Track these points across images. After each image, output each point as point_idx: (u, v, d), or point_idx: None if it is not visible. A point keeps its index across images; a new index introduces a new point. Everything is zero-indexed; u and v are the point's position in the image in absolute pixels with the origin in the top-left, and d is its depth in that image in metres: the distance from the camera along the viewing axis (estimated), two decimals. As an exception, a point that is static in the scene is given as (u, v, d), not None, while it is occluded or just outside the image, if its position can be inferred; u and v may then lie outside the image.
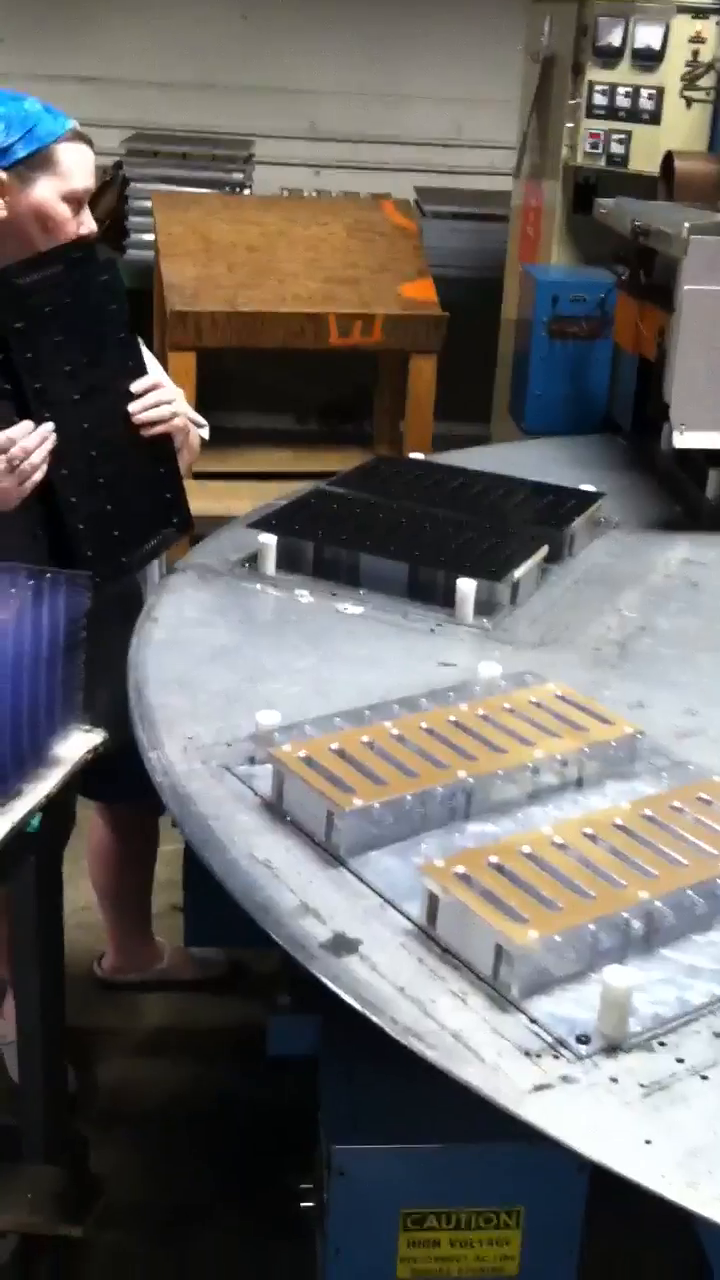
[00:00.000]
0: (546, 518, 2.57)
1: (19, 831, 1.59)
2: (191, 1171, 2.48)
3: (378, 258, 4.26)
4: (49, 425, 2.00)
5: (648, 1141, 1.10)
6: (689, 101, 3.45)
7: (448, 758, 1.58)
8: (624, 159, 3.53)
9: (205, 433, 2.43)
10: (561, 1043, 1.19)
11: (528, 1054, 1.18)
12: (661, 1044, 1.21)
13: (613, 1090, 1.15)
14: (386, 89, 5.72)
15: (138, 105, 5.53)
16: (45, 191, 2.06)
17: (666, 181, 3.37)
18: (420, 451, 3.37)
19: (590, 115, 3.56)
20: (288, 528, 2.34)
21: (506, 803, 1.58)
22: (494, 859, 1.35)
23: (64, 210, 2.09)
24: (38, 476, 1.99)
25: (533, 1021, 1.22)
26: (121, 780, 1.79)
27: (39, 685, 1.66)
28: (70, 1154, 1.99)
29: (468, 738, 1.64)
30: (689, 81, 3.39)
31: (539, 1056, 1.18)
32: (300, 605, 2.21)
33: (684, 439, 2.69)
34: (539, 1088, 1.14)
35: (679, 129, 3.47)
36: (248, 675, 1.93)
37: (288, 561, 2.30)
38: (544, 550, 2.38)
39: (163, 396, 2.18)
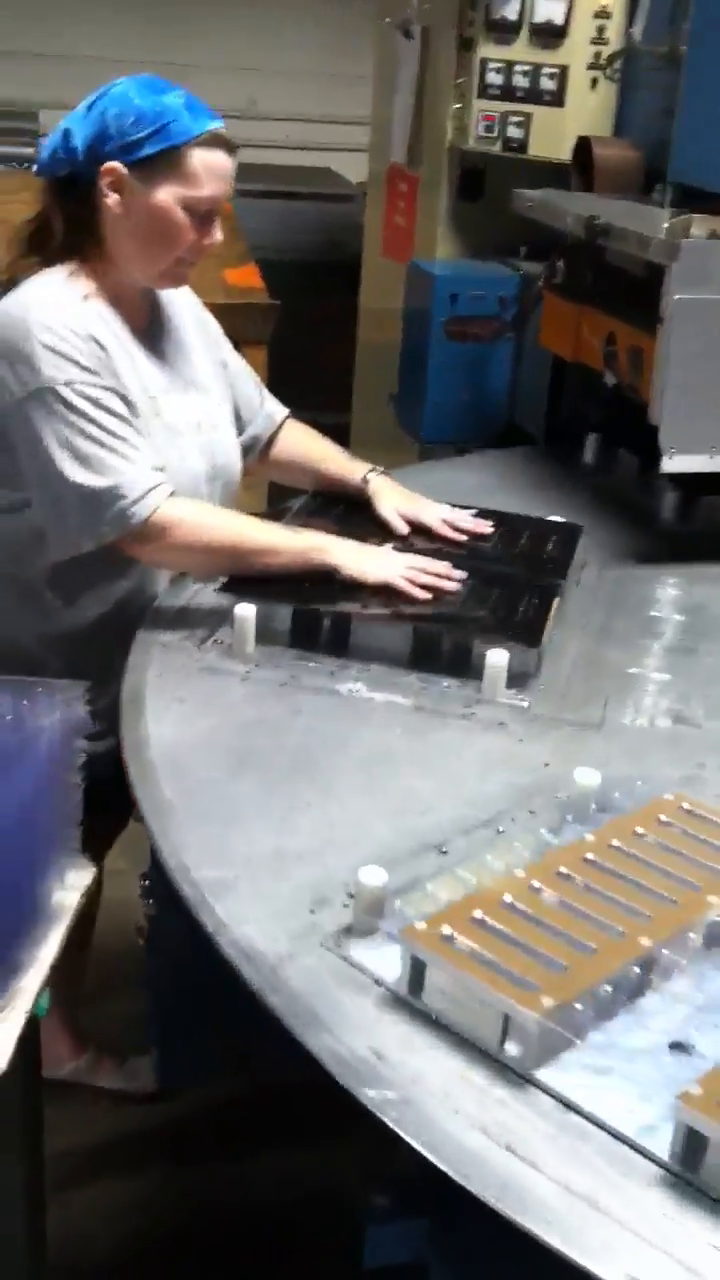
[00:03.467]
0: (539, 560, 2.42)
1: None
2: None
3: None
4: None
5: None
6: (594, 81, 3.11)
7: (615, 918, 1.41)
8: (523, 143, 3.19)
9: None
10: None
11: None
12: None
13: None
14: (173, 58, 5.41)
15: None
16: (166, 196, 2.00)
17: (582, 170, 3.08)
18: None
19: (483, 95, 3.21)
20: (264, 592, 2.15)
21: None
22: None
23: (181, 217, 2.02)
24: None
25: None
26: None
27: (38, 830, 1.47)
28: None
29: (620, 883, 1.48)
30: (608, 63, 3.07)
31: None
32: (301, 694, 2.01)
33: (674, 463, 2.54)
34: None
35: (584, 111, 3.20)
36: (286, 810, 1.72)
37: (260, 632, 2.12)
38: (557, 603, 2.26)
39: None
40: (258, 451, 2.46)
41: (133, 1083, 2.71)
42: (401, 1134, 1.18)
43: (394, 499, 2.46)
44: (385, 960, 1.40)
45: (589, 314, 2.86)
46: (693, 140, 2.71)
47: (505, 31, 3.22)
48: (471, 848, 1.62)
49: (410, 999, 1.35)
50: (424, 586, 2.17)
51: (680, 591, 2.54)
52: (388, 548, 2.30)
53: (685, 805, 1.65)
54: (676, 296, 2.43)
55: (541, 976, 1.31)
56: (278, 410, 2.53)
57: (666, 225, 2.51)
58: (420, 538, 2.42)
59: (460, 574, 2.22)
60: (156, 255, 2.07)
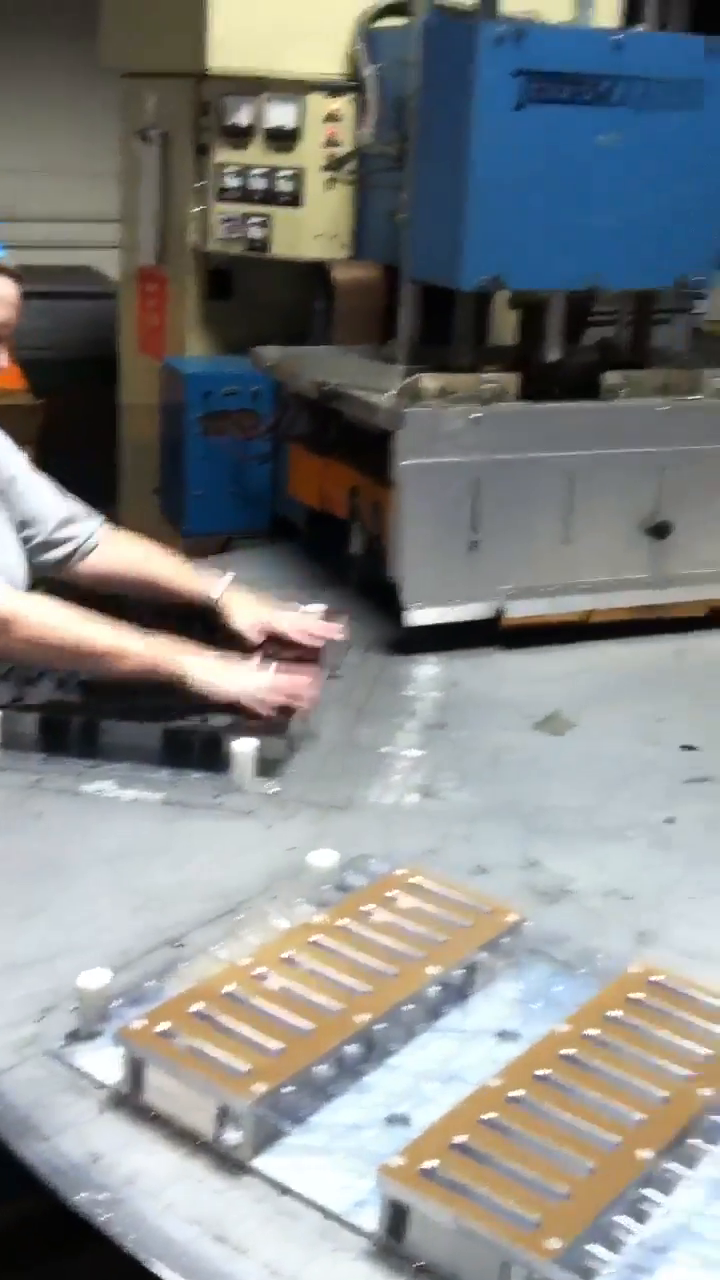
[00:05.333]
0: (295, 645, 2.46)
1: None
2: None
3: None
4: None
5: None
6: (331, 181, 3.24)
7: (335, 996, 1.44)
8: (265, 243, 3.29)
9: None
10: None
11: None
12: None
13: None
14: None
15: None
16: None
17: (326, 293, 3.23)
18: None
19: (223, 198, 3.29)
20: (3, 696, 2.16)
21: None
22: (460, 1139, 1.23)
23: None
24: None
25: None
26: None
27: None
28: None
29: (343, 962, 1.50)
30: (336, 165, 3.20)
31: None
32: (45, 797, 2.00)
33: (417, 616, 2.64)
34: None
35: (323, 210, 3.31)
36: (18, 918, 1.71)
37: (9, 738, 2.12)
38: None
39: None
40: (77, 557, 2.46)
41: None
42: (110, 1235, 1.19)
43: (248, 611, 2.47)
44: (109, 1062, 1.40)
45: (333, 466, 2.96)
46: (423, 238, 2.84)
47: (239, 136, 3.33)
48: (207, 939, 1.64)
49: (132, 1098, 1.36)
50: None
51: (439, 669, 2.62)
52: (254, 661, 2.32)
53: (413, 879, 1.70)
54: (404, 462, 2.55)
55: (257, 1062, 1.33)
56: (92, 517, 2.51)
57: (394, 391, 2.63)
58: (272, 644, 2.45)
59: (314, 694, 2.25)
60: None
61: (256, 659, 2.32)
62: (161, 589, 2.49)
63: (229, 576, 2.53)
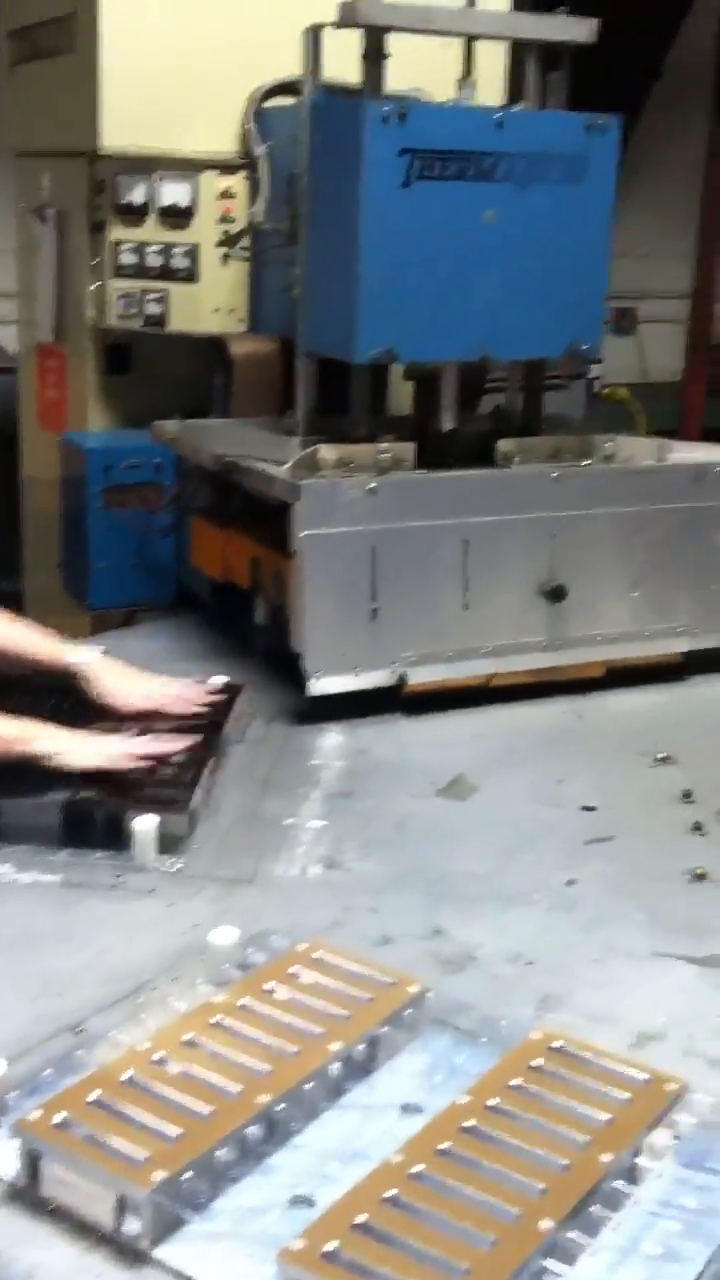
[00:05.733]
0: (194, 717, 2.45)
1: None
2: None
3: None
4: None
5: None
6: (225, 257, 3.28)
7: (235, 1077, 1.43)
8: (162, 319, 3.32)
9: None
10: None
11: None
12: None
13: None
14: None
15: None
16: None
17: (224, 366, 3.24)
18: None
19: (119, 275, 3.32)
20: None
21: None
22: (360, 1218, 1.23)
23: None
24: None
25: None
26: None
27: None
28: None
29: (244, 1042, 1.49)
30: (230, 242, 3.25)
31: None
32: None
33: (320, 685, 2.65)
34: None
35: (219, 286, 3.36)
36: None
37: None
38: (211, 762, 2.31)
39: None
40: None
41: None
42: (6, 1338, 1.17)
43: (117, 681, 2.44)
44: (5, 1155, 1.38)
45: (234, 537, 2.98)
46: (317, 312, 2.88)
47: (134, 214, 3.36)
48: (107, 1024, 1.62)
49: (29, 1192, 1.34)
50: (144, 757, 2.17)
51: (343, 738, 2.63)
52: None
53: (315, 954, 1.70)
54: (303, 533, 2.58)
55: (156, 1149, 1.31)
56: None
57: (291, 462, 2.67)
58: (147, 716, 2.42)
59: (179, 745, 2.25)
60: None
61: (125, 731, 2.31)
62: (26, 660, 2.45)
63: (98, 648, 2.50)
